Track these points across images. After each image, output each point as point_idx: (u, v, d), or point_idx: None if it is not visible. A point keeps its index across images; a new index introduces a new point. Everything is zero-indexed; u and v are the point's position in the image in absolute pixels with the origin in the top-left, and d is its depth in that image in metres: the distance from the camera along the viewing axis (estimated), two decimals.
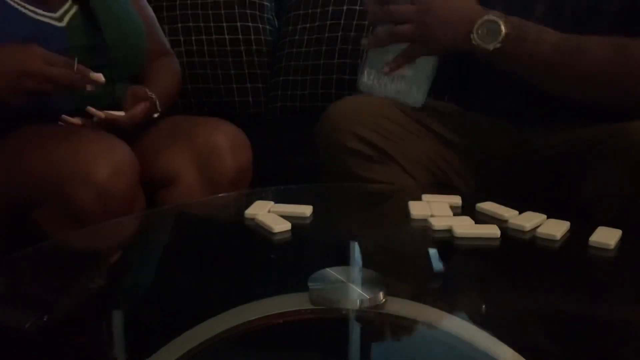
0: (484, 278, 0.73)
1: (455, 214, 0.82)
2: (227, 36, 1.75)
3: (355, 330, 0.62)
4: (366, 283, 0.63)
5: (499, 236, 0.76)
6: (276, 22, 1.87)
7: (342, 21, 1.69)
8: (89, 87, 0.98)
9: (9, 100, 0.95)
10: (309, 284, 0.62)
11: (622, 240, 0.74)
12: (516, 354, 0.53)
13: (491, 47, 0.90)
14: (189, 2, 1.77)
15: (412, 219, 0.83)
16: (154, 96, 1.14)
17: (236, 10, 1.76)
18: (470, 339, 0.56)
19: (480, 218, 0.82)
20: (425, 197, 0.88)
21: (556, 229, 0.76)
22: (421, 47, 0.97)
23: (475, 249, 0.77)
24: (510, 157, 1.02)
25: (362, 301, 0.60)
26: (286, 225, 0.79)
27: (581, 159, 0.91)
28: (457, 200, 0.87)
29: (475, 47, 0.92)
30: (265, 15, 1.81)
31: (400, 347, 0.61)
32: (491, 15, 0.90)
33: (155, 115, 1.16)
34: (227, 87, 1.76)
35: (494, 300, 0.66)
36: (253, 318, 0.59)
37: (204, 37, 1.75)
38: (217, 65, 1.75)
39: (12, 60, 0.94)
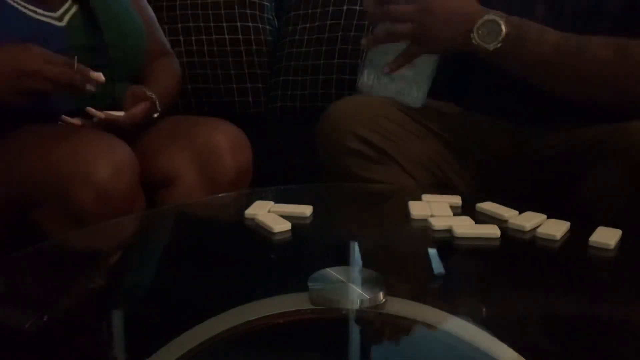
0: (484, 278, 0.73)
1: (455, 214, 0.82)
2: (227, 36, 1.75)
3: (355, 330, 0.62)
4: (366, 283, 0.63)
5: (499, 236, 0.76)
6: (276, 22, 1.87)
7: (342, 21, 1.69)
8: (89, 87, 0.98)
9: (9, 100, 0.95)
10: (309, 284, 0.62)
11: (622, 240, 0.74)
12: (516, 354, 0.53)
13: (491, 47, 0.90)
14: (189, 2, 1.77)
15: (412, 219, 0.83)
16: (153, 96, 1.14)
17: (236, 10, 1.76)
18: (471, 339, 0.56)
19: (480, 218, 0.82)
20: (425, 197, 0.88)
21: (556, 229, 0.76)
22: (421, 47, 0.97)
23: (475, 249, 0.77)
24: (510, 157, 1.02)
25: (362, 301, 0.60)
26: (286, 225, 0.79)
27: (581, 158, 0.91)
28: (457, 200, 0.87)
29: (476, 47, 0.92)
30: (265, 15, 1.81)
31: (400, 347, 0.61)
32: (492, 15, 0.90)
33: (155, 115, 1.16)
34: (227, 87, 1.76)
35: (494, 300, 0.66)
36: (253, 318, 0.59)
37: (204, 37, 1.75)
38: (217, 65, 1.75)
39: (11, 60, 0.94)
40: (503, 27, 0.89)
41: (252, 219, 0.82)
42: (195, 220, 0.94)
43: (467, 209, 0.84)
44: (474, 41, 0.91)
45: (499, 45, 0.90)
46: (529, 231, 0.78)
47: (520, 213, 0.81)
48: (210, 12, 1.76)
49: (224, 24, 1.75)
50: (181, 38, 1.75)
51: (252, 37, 1.76)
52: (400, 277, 0.71)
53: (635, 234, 0.76)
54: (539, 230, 0.77)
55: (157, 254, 0.85)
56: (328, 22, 1.71)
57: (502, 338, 0.56)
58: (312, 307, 0.60)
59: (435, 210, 0.83)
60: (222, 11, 1.76)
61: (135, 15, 1.22)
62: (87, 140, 0.96)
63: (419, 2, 0.94)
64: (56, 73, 0.95)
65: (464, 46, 0.93)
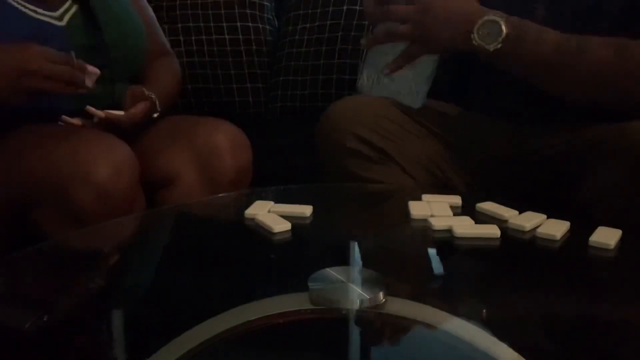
0: (484, 278, 0.73)
1: (455, 214, 0.82)
2: (227, 36, 1.75)
3: (355, 330, 0.62)
4: (366, 283, 0.63)
5: (499, 236, 0.76)
6: (276, 22, 1.87)
7: (342, 21, 1.69)
8: (87, 82, 0.98)
9: (11, 100, 0.95)
10: (309, 284, 0.62)
11: (622, 240, 0.74)
12: (516, 354, 0.53)
13: (491, 47, 0.90)
14: (189, 2, 1.77)
15: (412, 219, 0.83)
16: (153, 96, 1.14)
17: (236, 10, 1.76)
18: (470, 339, 0.56)
19: (480, 218, 0.82)
20: (425, 197, 0.88)
21: (556, 229, 0.76)
22: (421, 47, 0.97)
23: (475, 249, 0.77)
24: (510, 157, 1.02)
25: (362, 301, 0.60)
26: (286, 225, 0.79)
27: (581, 158, 0.91)
28: (457, 200, 0.87)
29: (476, 48, 0.91)
30: (265, 15, 1.81)
31: (400, 347, 0.61)
32: (492, 16, 0.90)
33: (155, 115, 1.16)
34: (227, 87, 1.76)
35: (494, 300, 0.66)
36: (253, 318, 0.59)
37: (204, 37, 1.75)
38: (217, 65, 1.75)
39: (12, 60, 0.94)
40: (503, 28, 0.89)
41: (252, 219, 0.82)
42: (195, 220, 0.94)
43: (467, 209, 0.84)
44: (474, 42, 0.91)
45: (499, 45, 0.90)
46: (529, 231, 0.78)
47: (520, 213, 0.81)
48: (210, 12, 1.76)
49: (224, 24, 1.75)
50: (181, 38, 1.75)
51: (252, 37, 1.76)
52: (400, 277, 0.71)
53: (635, 234, 0.76)
54: (539, 230, 0.77)
55: (157, 254, 0.85)
56: (328, 22, 1.71)
57: (502, 338, 0.56)
58: (312, 307, 0.60)
59: (435, 210, 0.83)
60: (222, 11, 1.76)
61: (135, 15, 1.22)
62: (87, 140, 0.96)
63: (419, 2, 0.94)
64: (57, 71, 0.95)
65: (463, 46, 0.93)
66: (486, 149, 1.04)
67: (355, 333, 0.62)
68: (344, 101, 1.07)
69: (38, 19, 1.06)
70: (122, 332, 0.63)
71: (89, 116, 1.05)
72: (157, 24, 1.37)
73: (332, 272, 0.64)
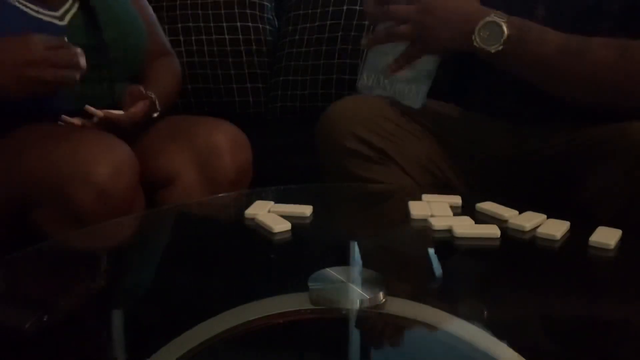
0: (484, 278, 0.73)
1: (455, 214, 0.82)
2: (227, 36, 1.75)
3: (355, 330, 0.62)
4: (366, 283, 0.63)
5: (499, 236, 0.76)
6: (276, 22, 1.87)
7: (342, 21, 1.69)
8: (82, 62, 0.97)
9: (16, 92, 0.95)
10: (309, 284, 0.62)
11: (622, 240, 0.74)
12: (516, 354, 0.53)
13: (493, 49, 0.89)
14: (189, 2, 1.77)
15: (412, 219, 0.83)
16: (153, 96, 1.14)
17: (236, 10, 1.76)
18: (470, 339, 0.56)
19: (480, 218, 0.82)
20: (425, 197, 0.88)
21: (556, 229, 0.76)
22: (421, 48, 0.97)
23: (475, 249, 0.77)
24: (510, 157, 1.02)
25: (362, 301, 0.60)
26: (286, 225, 0.79)
27: (581, 159, 0.91)
28: (457, 200, 0.87)
29: (477, 49, 0.91)
30: (265, 15, 1.81)
31: (400, 347, 0.61)
32: (493, 16, 0.89)
33: (155, 114, 1.16)
34: (227, 87, 1.76)
35: (494, 300, 0.66)
36: (253, 318, 0.59)
37: (204, 37, 1.75)
38: (217, 65, 1.75)
39: (13, 52, 0.94)
40: (505, 29, 0.89)
41: (252, 219, 0.82)
42: (195, 220, 0.94)
43: (467, 209, 0.84)
44: (475, 43, 0.90)
45: (501, 47, 0.89)
46: (529, 231, 0.78)
47: (520, 213, 0.81)
48: (210, 12, 1.76)
49: (224, 24, 1.75)
50: (181, 38, 1.75)
51: (252, 37, 1.76)
52: (400, 277, 0.71)
53: (635, 234, 0.76)
54: (539, 230, 0.77)
55: (157, 254, 0.85)
56: (328, 22, 1.71)
57: (502, 338, 0.56)
58: (312, 307, 0.60)
59: (435, 210, 0.83)
60: (222, 11, 1.76)
61: (135, 15, 1.22)
62: (87, 140, 0.96)
63: (419, 2, 0.94)
64: (59, 58, 0.95)
65: (464, 47, 0.93)
66: (486, 149, 1.04)
67: (355, 333, 0.62)
68: (344, 101, 1.07)
69: (40, 19, 1.06)
70: (122, 332, 0.63)
71: (89, 116, 1.04)
72: (158, 24, 1.37)
73: (332, 272, 0.64)
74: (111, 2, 1.16)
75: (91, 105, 1.04)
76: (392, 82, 1.02)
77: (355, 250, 0.81)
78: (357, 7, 1.69)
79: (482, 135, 1.05)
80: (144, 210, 1.04)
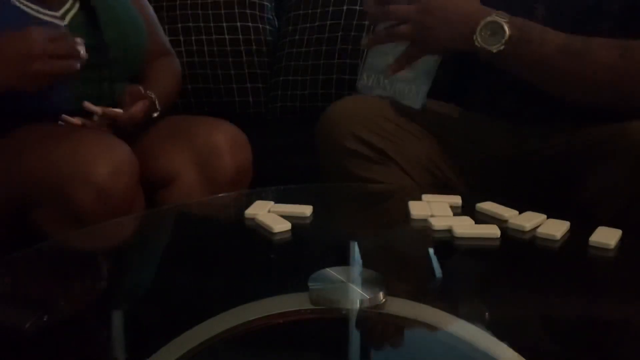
0: (484, 278, 0.73)
1: (455, 214, 0.82)
2: (227, 36, 1.75)
3: (355, 330, 0.62)
4: (366, 283, 0.63)
5: (499, 236, 0.76)
6: (276, 22, 1.87)
7: (342, 21, 1.69)
8: (82, 53, 0.97)
9: (21, 86, 0.95)
10: (309, 284, 0.62)
11: (622, 240, 0.74)
12: (516, 354, 0.53)
13: (494, 49, 0.89)
14: (189, 2, 1.77)
15: (412, 219, 0.83)
16: (152, 95, 1.14)
17: (236, 10, 1.76)
18: (470, 339, 0.56)
19: (480, 218, 0.82)
20: (425, 197, 0.88)
21: (556, 229, 0.76)
22: (421, 48, 0.97)
23: (475, 249, 0.77)
24: (510, 157, 1.02)
25: (362, 301, 0.60)
26: (286, 225, 0.79)
27: (581, 159, 0.91)
28: (457, 200, 0.87)
29: (477, 49, 0.91)
30: (265, 15, 1.81)
31: (400, 347, 0.61)
32: (495, 17, 0.89)
33: (155, 114, 1.16)
34: (227, 87, 1.76)
35: (494, 300, 0.66)
36: (253, 318, 0.59)
37: (204, 37, 1.75)
38: (217, 65, 1.75)
39: (16, 46, 0.94)
40: (506, 29, 0.88)
41: (252, 219, 0.82)
42: (195, 220, 0.94)
43: (467, 209, 0.84)
44: (476, 43, 0.90)
45: (502, 47, 0.89)
46: (529, 231, 0.78)
47: (520, 213, 0.81)
48: (210, 12, 1.76)
49: (224, 24, 1.75)
50: (181, 38, 1.75)
51: (252, 37, 1.76)
52: (400, 277, 0.71)
53: (635, 234, 0.76)
54: (539, 230, 0.77)
55: (157, 254, 0.85)
56: (328, 22, 1.71)
57: (502, 338, 0.56)
58: (312, 307, 0.60)
59: (435, 210, 0.83)
60: (222, 11, 1.76)
61: (136, 15, 1.22)
62: (87, 140, 0.96)
63: (419, 2, 0.94)
64: (60, 49, 0.95)
65: (464, 47, 0.92)
66: (486, 149, 1.04)
67: (355, 333, 0.62)
68: (343, 101, 1.07)
69: (41, 19, 1.06)
70: (122, 332, 0.63)
71: (89, 116, 1.04)
72: (158, 24, 1.37)
73: (332, 272, 0.64)
74: (112, 2, 1.16)
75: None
76: (392, 82, 1.02)
77: (355, 250, 0.81)
78: (357, 7, 1.69)
79: (482, 135, 1.05)
80: (144, 210, 1.04)
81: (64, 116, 1.03)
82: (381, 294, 0.60)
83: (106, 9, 1.13)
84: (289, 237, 0.79)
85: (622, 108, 0.88)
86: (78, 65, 0.97)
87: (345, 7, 1.70)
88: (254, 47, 1.76)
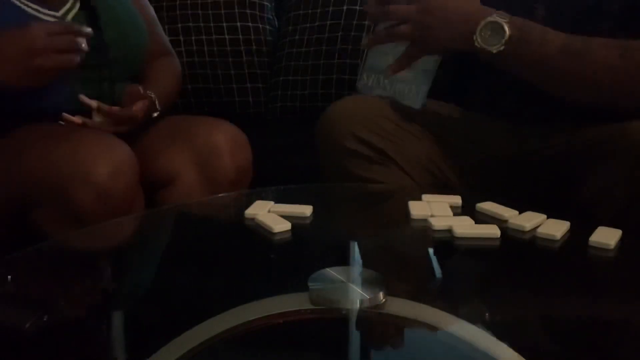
0: (484, 278, 0.73)
1: (455, 214, 0.82)
2: (227, 36, 1.75)
3: (355, 330, 0.62)
4: (366, 283, 0.63)
5: (499, 236, 0.76)
6: (276, 22, 1.86)
7: (342, 21, 1.69)
8: (84, 46, 0.98)
9: (25, 83, 0.95)
10: (309, 284, 0.62)
11: (622, 240, 0.74)
12: (516, 354, 0.53)
13: (494, 49, 0.89)
14: (189, 2, 1.77)
15: (412, 219, 0.83)
16: (152, 95, 1.14)
17: (236, 10, 1.76)
18: (470, 339, 0.56)
19: (480, 218, 0.82)
20: (425, 197, 0.88)
21: (556, 229, 0.76)
22: (421, 48, 0.97)
23: (475, 249, 0.77)
24: (510, 157, 1.02)
25: (362, 301, 0.60)
26: (286, 225, 0.79)
27: (581, 159, 0.91)
28: (457, 200, 0.87)
29: (477, 49, 0.91)
30: (265, 15, 1.81)
31: (400, 347, 0.61)
32: (495, 17, 0.89)
33: (155, 114, 1.16)
34: (227, 87, 1.76)
35: (494, 300, 0.66)
36: (253, 318, 0.59)
37: (204, 37, 1.75)
38: (217, 65, 1.75)
39: (18, 43, 0.94)
40: (506, 29, 0.88)
41: (252, 219, 0.82)
42: (195, 220, 0.94)
43: (467, 209, 0.84)
44: (476, 43, 0.90)
45: (502, 47, 0.89)
46: (529, 231, 0.78)
47: (520, 213, 0.81)
48: (210, 12, 1.76)
49: (224, 24, 1.75)
50: (181, 38, 1.75)
51: (252, 37, 1.76)
52: (400, 277, 0.71)
53: (635, 234, 0.76)
54: (539, 230, 0.77)
55: (157, 254, 0.85)
56: (328, 22, 1.71)
57: (502, 338, 0.56)
58: (312, 307, 0.60)
59: (435, 210, 0.83)
60: (222, 11, 1.76)
61: (136, 15, 1.22)
62: (87, 140, 0.96)
63: (419, 2, 0.94)
64: (62, 43, 0.95)
65: (464, 47, 0.92)
66: (486, 149, 1.04)
67: (355, 333, 0.62)
68: (343, 101, 1.07)
69: (42, 19, 1.06)
70: (122, 332, 0.63)
71: (89, 115, 1.04)
72: (158, 24, 1.37)
73: (332, 272, 0.64)
74: (112, 2, 1.16)
75: None
76: (392, 82, 1.02)
77: (355, 250, 0.81)
78: (357, 7, 1.69)
79: (482, 135, 1.05)
80: (144, 210, 1.04)
81: (65, 115, 1.03)
82: (381, 294, 0.60)
83: (106, 9, 1.13)
84: (289, 237, 0.79)
85: (622, 108, 0.88)
86: (79, 59, 0.96)
87: (345, 7, 1.70)
88: (254, 47, 1.76)
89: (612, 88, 0.88)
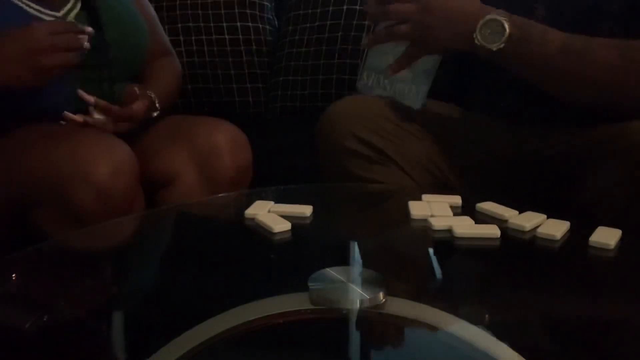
0: (484, 278, 0.73)
1: (455, 214, 0.82)
2: (227, 36, 1.75)
3: (355, 330, 0.62)
4: (366, 283, 0.63)
5: (499, 236, 0.76)
6: (276, 22, 1.87)
7: (342, 21, 1.69)
8: (85, 44, 0.98)
9: (28, 82, 0.95)
10: (309, 284, 0.62)
11: (622, 240, 0.74)
12: (516, 354, 0.53)
13: (494, 47, 0.89)
14: (189, 2, 1.77)
15: (412, 219, 0.83)
16: (152, 95, 1.14)
17: (236, 10, 1.76)
18: (470, 339, 0.56)
19: (480, 218, 0.82)
20: (425, 197, 0.88)
21: (556, 229, 0.76)
22: (421, 48, 0.97)
23: (475, 249, 0.77)
24: (510, 157, 1.02)
25: (362, 301, 0.60)
26: (286, 225, 0.79)
27: (581, 159, 0.91)
28: (457, 200, 0.87)
29: (478, 47, 0.91)
30: (265, 15, 1.81)
31: (400, 347, 0.61)
32: (495, 15, 0.89)
33: (155, 114, 1.16)
34: (227, 87, 1.76)
35: (494, 300, 0.66)
36: (253, 318, 0.59)
37: (204, 37, 1.75)
38: (217, 65, 1.75)
39: (21, 43, 0.94)
40: (507, 28, 0.88)
41: (252, 219, 0.82)
42: (195, 220, 0.94)
43: (467, 209, 0.84)
44: (476, 42, 0.89)
45: (502, 45, 0.89)
46: (529, 231, 0.78)
47: (520, 213, 0.81)
48: (210, 12, 1.76)
49: (224, 24, 1.75)
50: (181, 38, 1.75)
51: (252, 37, 1.76)
52: (400, 277, 0.71)
53: (635, 234, 0.76)
54: (539, 230, 0.77)
55: (157, 254, 0.85)
56: (328, 22, 1.71)
57: (502, 338, 0.56)
58: (312, 307, 0.60)
59: (435, 210, 0.83)
60: (222, 11, 1.76)
61: (137, 15, 1.22)
62: (87, 140, 0.96)
63: (419, 2, 0.94)
64: (65, 41, 0.95)
65: (465, 46, 0.92)
66: (486, 149, 1.04)
67: (355, 333, 0.62)
68: (343, 101, 1.07)
69: (42, 19, 1.06)
70: (122, 332, 0.63)
71: (89, 114, 1.05)
72: (159, 24, 1.37)
73: (332, 272, 0.64)
74: (113, 2, 1.16)
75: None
76: (392, 82, 1.02)
77: (355, 250, 0.81)
78: (357, 7, 1.69)
79: (482, 135, 1.05)
80: (144, 210, 1.04)
81: (66, 113, 1.02)
82: (381, 294, 0.60)
83: (107, 9, 1.13)
84: (289, 237, 0.79)
85: (622, 108, 0.88)
86: (80, 57, 0.97)
87: (345, 7, 1.70)
88: (254, 47, 1.76)
89: (612, 88, 0.88)
